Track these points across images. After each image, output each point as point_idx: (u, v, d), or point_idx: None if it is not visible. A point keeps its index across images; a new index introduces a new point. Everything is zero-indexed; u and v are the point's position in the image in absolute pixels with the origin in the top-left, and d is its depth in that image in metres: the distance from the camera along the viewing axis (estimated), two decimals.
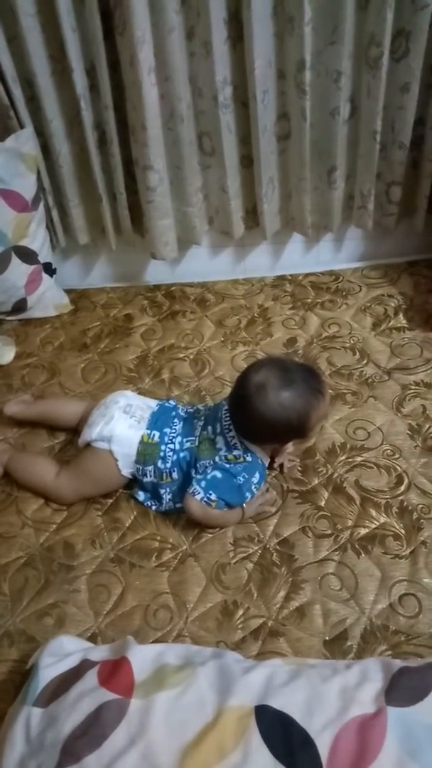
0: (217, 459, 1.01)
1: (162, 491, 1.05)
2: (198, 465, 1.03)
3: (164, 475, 1.04)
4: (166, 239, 1.55)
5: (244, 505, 1.02)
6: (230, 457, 1.01)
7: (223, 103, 1.36)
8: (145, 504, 1.08)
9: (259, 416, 0.95)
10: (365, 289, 1.54)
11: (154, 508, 1.08)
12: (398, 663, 0.71)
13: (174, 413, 1.11)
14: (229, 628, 0.91)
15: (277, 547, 1.00)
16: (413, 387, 1.25)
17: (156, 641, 0.90)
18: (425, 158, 1.42)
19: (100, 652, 0.78)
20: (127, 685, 0.70)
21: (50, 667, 0.76)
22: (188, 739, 0.64)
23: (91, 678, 0.72)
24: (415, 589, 0.92)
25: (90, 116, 1.39)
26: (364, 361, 1.33)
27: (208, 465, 1.02)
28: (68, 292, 1.64)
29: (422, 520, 1.01)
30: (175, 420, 1.09)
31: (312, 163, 1.45)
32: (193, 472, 1.03)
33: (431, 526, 0.99)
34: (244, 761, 0.61)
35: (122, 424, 1.06)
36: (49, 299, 1.57)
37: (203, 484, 0.99)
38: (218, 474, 1.00)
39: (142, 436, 1.06)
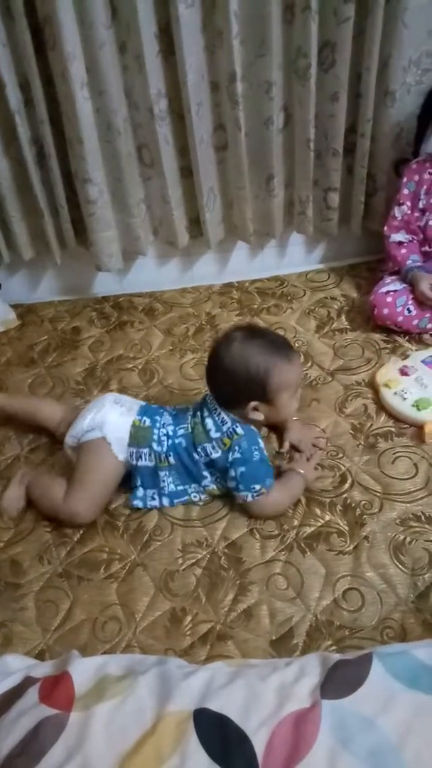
0: (214, 444, 1.03)
1: (162, 474, 1.07)
2: (198, 449, 1.04)
3: (161, 458, 1.06)
4: (110, 251, 1.55)
5: (302, 472, 1.06)
6: (225, 440, 1.03)
7: (159, 115, 1.38)
8: (147, 506, 1.08)
9: (223, 369, 0.99)
10: (309, 293, 1.57)
11: (157, 505, 1.08)
12: (336, 657, 0.73)
13: (162, 410, 1.13)
14: (178, 635, 0.91)
15: (225, 551, 1.01)
16: (355, 387, 1.28)
17: (104, 653, 0.89)
18: (358, 164, 1.47)
19: (42, 669, 0.78)
20: (67, 699, 0.70)
21: None
22: (127, 747, 0.64)
23: (32, 695, 0.71)
24: (358, 583, 0.94)
25: (26, 131, 1.39)
26: (309, 364, 1.35)
27: (211, 449, 1.03)
28: (15, 307, 1.63)
29: (364, 516, 1.03)
30: (165, 413, 1.11)
31: (250, 172, 1.48)
32: (195, 456, 1.05)
33: (373, 521, 1.02)
34: (182, 765, 0.61)
35: (114, 413, 1.09)
36: None
37: (241, 487, 1.01)
38: (242, 468, 1.01)
39: (134, 421, 1.08)
